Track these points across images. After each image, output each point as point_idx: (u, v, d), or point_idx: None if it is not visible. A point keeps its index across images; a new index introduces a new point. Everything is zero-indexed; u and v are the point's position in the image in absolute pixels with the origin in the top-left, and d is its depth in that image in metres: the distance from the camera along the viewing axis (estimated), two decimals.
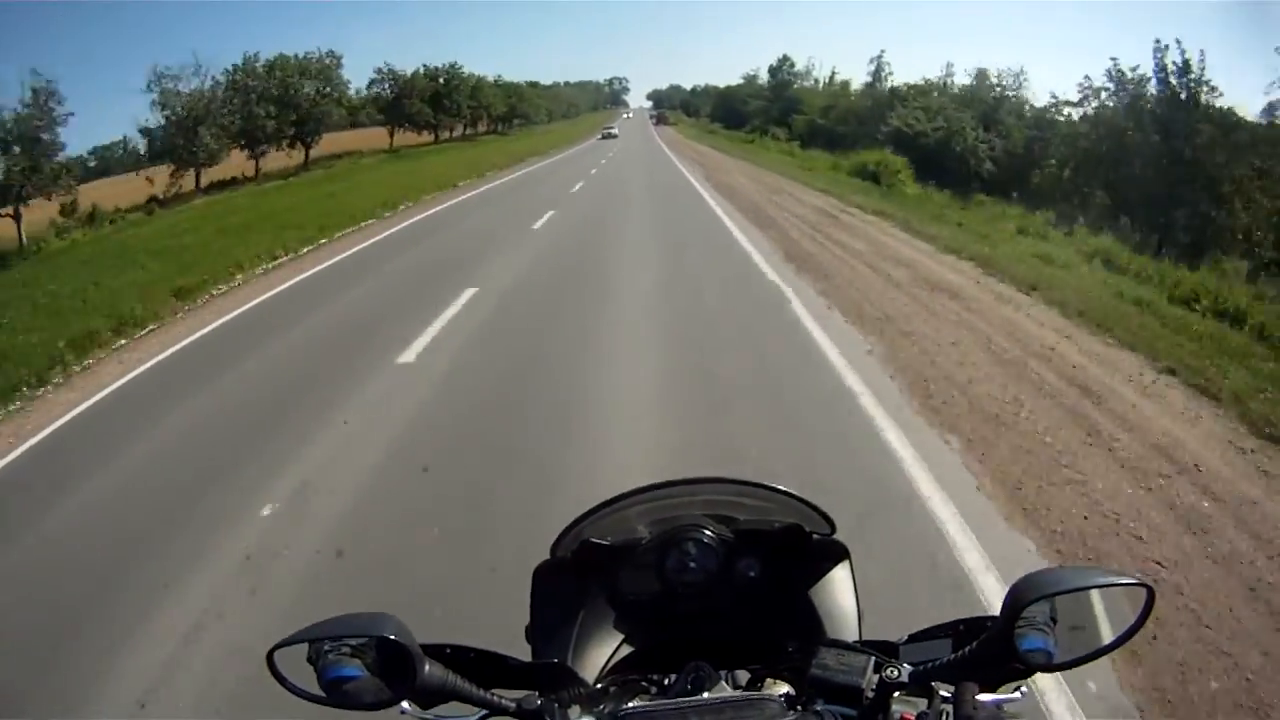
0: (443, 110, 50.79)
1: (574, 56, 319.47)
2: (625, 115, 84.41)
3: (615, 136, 53.78)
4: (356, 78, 70.36)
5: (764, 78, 66.67)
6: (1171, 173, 20.32)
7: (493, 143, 51.58)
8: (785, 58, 67.21)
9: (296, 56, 34.74)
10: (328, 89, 35.88)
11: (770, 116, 55.91)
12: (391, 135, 45.26)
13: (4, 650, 3.10)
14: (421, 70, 50.11)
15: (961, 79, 39.96)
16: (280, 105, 31.64)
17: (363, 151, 41.61)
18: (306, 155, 35.15)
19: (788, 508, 1.15)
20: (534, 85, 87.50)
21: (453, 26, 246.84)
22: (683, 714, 0.87)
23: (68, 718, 2.70)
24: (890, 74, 46.00)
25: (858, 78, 60.36)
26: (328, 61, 35.94)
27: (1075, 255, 12.05)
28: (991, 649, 0.83)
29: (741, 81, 75.16)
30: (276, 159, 33.30)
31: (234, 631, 3.07)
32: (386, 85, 47.01)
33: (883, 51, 56.49)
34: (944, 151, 27.87)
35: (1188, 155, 20.31)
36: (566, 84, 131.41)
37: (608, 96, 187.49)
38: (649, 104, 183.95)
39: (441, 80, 50.83)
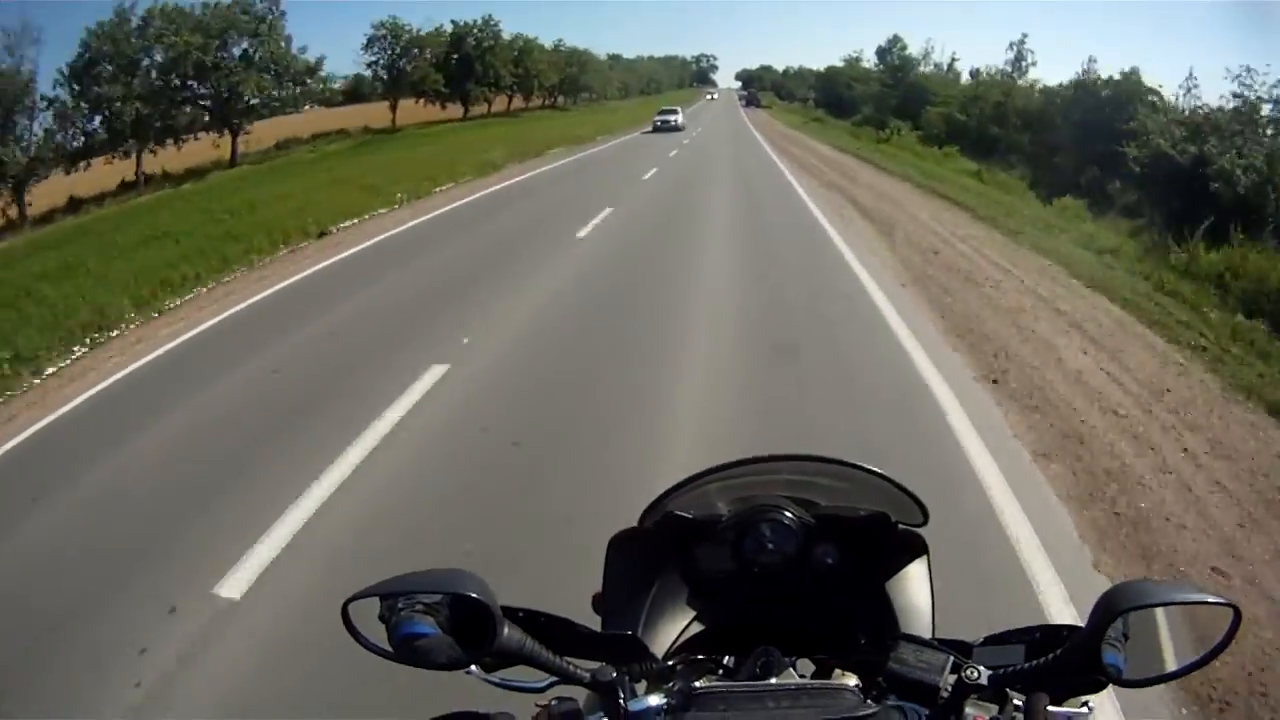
0: (474, 78, 39.30)
1: (660, 32, 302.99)
2: (709, 96, 71.55)
3: (677, 128, 36.56)
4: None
5: (869, 59, 59.73)
6: None
7: (532, 122, 41.11)
8: (896, 38, 58.51)
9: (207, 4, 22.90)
10: (257, 52, 24.79)
11: (887, 105, 43.64)
12: (394, 109, 33.98)
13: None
14: (448, 27, 38.53)
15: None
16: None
17: (345, 132, 30.80)
18: (233, 150, 23.91)
19: (876, 490, 1.11)
20: (614, 58, 75.87)
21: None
22: (759, 697, 0.85)
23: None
24: (1034, 63, 39.11)
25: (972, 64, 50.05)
26: (265, 12, 24.69)
27: None
28: (1074, 659, 0.80)
29: (841, 63, 67.35)
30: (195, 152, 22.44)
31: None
32: (386, 46, 35.46)
33: (1025, 37, 44.16)
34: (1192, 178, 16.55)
35: None
36: (651, 58, 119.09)
37: (694, 74, 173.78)
38: (737, 84, 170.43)
39: (471, 40, 39.14)
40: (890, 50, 63.53)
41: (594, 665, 0.87)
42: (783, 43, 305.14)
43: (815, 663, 1.04)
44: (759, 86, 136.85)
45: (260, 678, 2.77)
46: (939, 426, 4.51)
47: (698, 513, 1.13)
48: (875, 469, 1.10)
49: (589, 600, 1.15)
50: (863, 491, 1.12)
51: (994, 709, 0.84)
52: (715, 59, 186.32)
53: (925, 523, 1.11)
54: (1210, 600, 0.80)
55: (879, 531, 1.11)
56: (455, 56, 39.43)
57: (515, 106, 50.49)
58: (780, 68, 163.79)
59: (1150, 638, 0.83)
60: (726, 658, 1.06)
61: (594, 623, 1.05)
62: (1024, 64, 38.95)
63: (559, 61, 54.60)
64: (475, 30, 41.05)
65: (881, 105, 44.97)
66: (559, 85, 55.55)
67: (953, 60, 47.36)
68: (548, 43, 52.84)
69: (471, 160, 19.57)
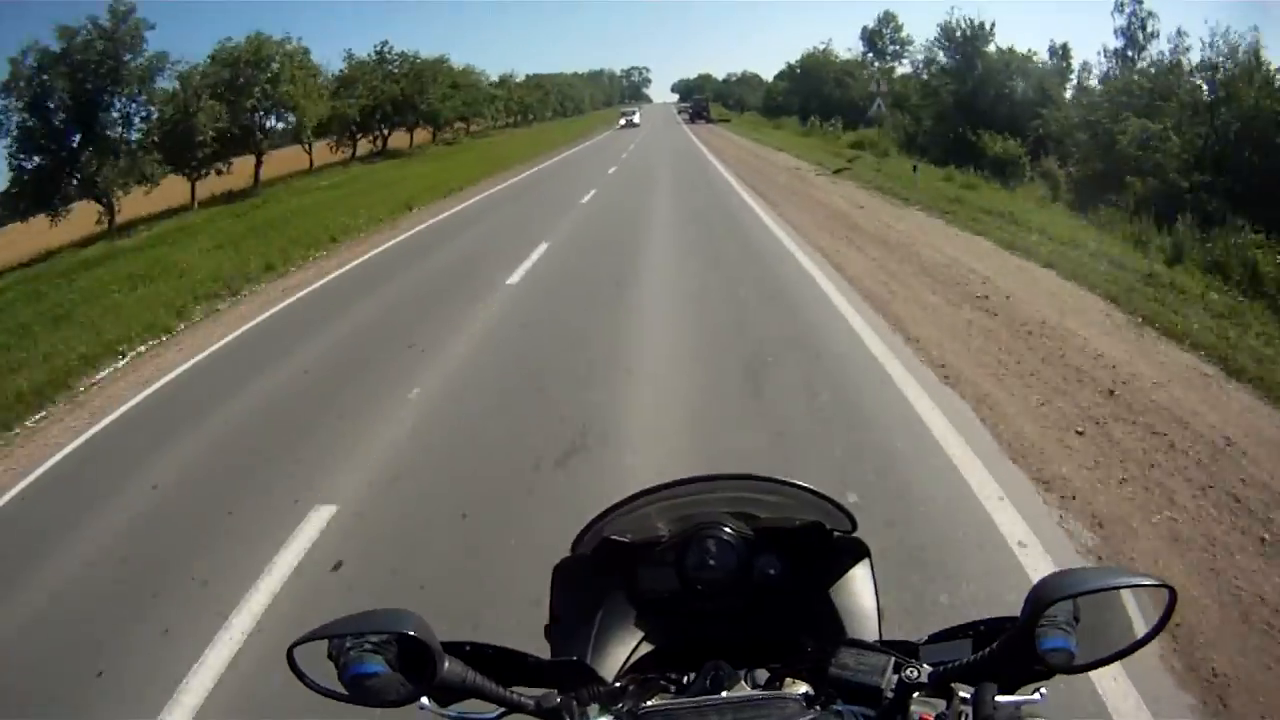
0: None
1: (585, 48, 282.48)
2: (623, 121, 49.47)
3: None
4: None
5: (849, 48, 45.27)
6: None
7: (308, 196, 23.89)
8: (889, 15, 49.31)
9: None
10: None
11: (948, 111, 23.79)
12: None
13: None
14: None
15: None
16: None
17: None
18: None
19: (808, 504, 1.14)
20: (504, 78, 55.71)
21: (443, 18, 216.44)
22: (702, 712, 0.86)
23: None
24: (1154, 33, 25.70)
25: None
26: None
27: None
28: (1012, 649, 0.81)
29: (792, 63, 55.09)
30: None
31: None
32: None
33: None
34: None
35: None
36: (575, 75, 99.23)
37: (625, 89, 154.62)
38: (674, 97, 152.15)
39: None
40: (881, 32, 51.90)
41: (540, 693, 0.87)
42: (721, 50, 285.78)
43: (769, 673, 1.00)
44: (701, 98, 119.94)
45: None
46: None
47: (636, 535, 1.14)
48: (803, 484, 1.13)
49: (541, 629, 1.15)
50: (797, 505, 1.15)
51: (941, 704, 0.84)
52: (648, 71, 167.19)
53: (854, 530, 1.14)
54: (1144, 583, 0.81)
55: (817, 540, 1.14)
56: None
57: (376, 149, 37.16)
58: (721, 75, 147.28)
59: (1103, 619, 0.83)
60: (681, 675, 1.01)
61: (548, 652, 1.09)
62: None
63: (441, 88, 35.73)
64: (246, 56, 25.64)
65: (947, 113, 25.32)
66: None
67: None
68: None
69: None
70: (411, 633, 0.79)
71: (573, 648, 1.08)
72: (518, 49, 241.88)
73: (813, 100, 48.37)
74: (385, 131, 36.36)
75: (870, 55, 57.05)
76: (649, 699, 0.94)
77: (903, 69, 51.15)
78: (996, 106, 27.77)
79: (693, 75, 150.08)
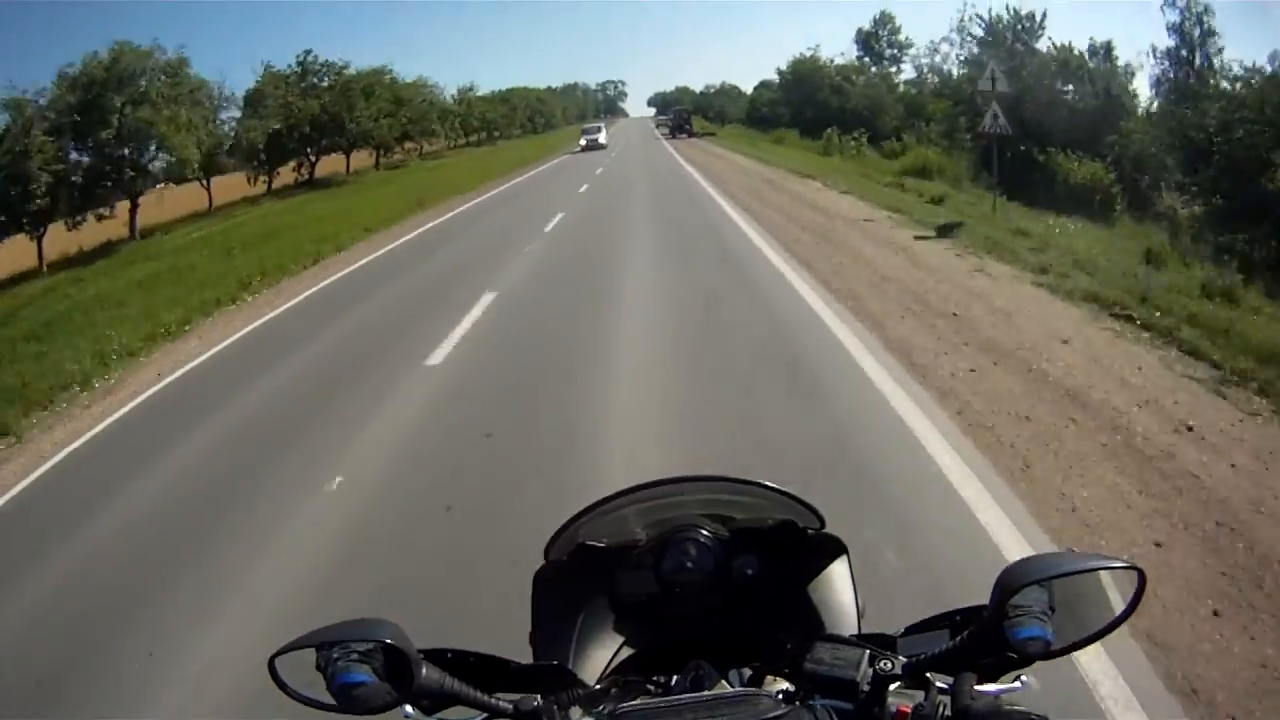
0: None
1: (558, 61, 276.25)
2: (583, 142, 41.92)
3: None
4: None
5: (839, 55, 46.14)
6: None
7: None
8: (885, 16, 46.17)
9: None
10: None
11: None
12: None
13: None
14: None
15: None
16: None
17: None
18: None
19: (777, 504, 1.15)
20: (463, 92, 50.13)
21: (406, 31, 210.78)
22: (677, 711, 0.85)
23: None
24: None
25: None
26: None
27: None
28: (983, 638, 0.81)
29: (782, 69, 50.06)
30: None
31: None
32: None
33: None
34: None
35: None
36: (548, 89, 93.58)
37: (602, 103, 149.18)
38: (650, 111, 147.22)
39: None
40: (876, 34, 48.46)
41: (518, 698, 0.87)
42: (697, 63, 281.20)
43: (750, 671, 1.01)
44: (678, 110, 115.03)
45: None
46: None
47: (612, 540, 1.15)
48: (769, 484, 1.14)
49: (525, 639, 1.16)
50: (770, 504, 1.16)
51: (919, 695, 0.83)
52: (623, 84, 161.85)
53: (822, 527, 1.14)
54: (1113, 565, 0.81)
55: (792, 538, 1.14)
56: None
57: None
58: (698, 88, 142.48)
59: (1076, 604, 0.82)
60: (663, 677, 1.01)
61: (531, 658, 1.09)
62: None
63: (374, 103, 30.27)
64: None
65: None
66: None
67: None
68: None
69: None
70: (389, 640, 0.80)
71: (555, 653, 1.09)
72: (485, 62, 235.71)
73: (807, 109, 43.02)
74: (312, 157, 30.11)
75: (866, 59, 51.80)
76: (630, 701, 0.92)
77: (905, 73, 46.12)
78: (1051, 117, 22.14)
79: (670, 88, 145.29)
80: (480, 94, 53.13)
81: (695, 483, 1.18)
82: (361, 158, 34.88)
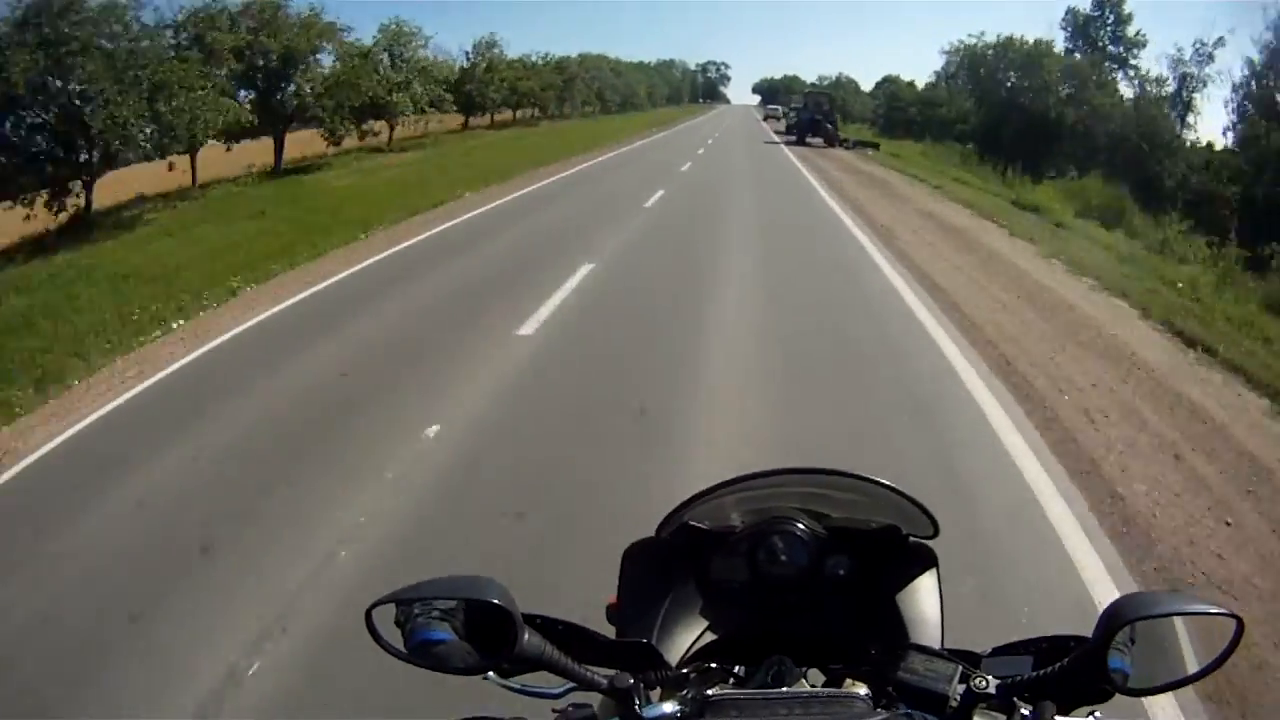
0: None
1: (655, 37, 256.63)
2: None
3: None
4: None
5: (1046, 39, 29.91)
6: None
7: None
8: None
9: None
10: None
11: None
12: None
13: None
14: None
15: None
16: None
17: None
18: None
19: (886, 504, 1.12)
20: (515, 61, 39.36)
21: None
22: (770, 705, 0.85)
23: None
24: None
25: None
26: None
27: None
28: (1081, 669, 0.80)
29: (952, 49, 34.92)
30: None
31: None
32: None
33: None
34: None
35: None
36: (640, 64, 79.92)
37: (700, 86, 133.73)
38: (755, 98, 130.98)
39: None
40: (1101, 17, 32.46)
41: (610, 673, 0.87)
42: (808, 52, 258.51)
43: (826, 672, 1.03)
44: (783, 101, 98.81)
45: None
46: None
47: (713, 524, 1.15)
48: (887, 483, 1.09)
49: (604, 608, 1.15)
50: (875, 504, 1.14)
51: (1001, 718, 0.84)
52: (726, 67, 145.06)
53: (936, 535, 1.11)
54: (1213, 611, 0.81)
55: (889, 543, 1.13)
56: None
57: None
58: (809, 78, 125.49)
59: (1158, 646, 0.83)
60: (739, 667, 1.03)
61: (609, 631, 1.08)
62: None
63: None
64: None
65: None
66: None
67: None
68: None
69: None
70: (495, 601, 0.77)
71: (639, 630, 1.07)
72: (577, 33, 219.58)
73: (1007, 122, 27.89)
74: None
75: (1076, 53, 36.11)
76: (711, 687, 0.93)
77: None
78: None
79: (777, 75, 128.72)
80: (514, 56, 37.91)
81: (803, 475, 1.14)
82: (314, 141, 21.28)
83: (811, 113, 30.24)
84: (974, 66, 32.38)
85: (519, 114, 39.84)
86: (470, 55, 33.16)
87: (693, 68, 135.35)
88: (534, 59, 40.14)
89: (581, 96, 47.26)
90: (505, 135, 30.35)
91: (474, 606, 0.79)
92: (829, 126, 29.23)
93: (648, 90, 69.34)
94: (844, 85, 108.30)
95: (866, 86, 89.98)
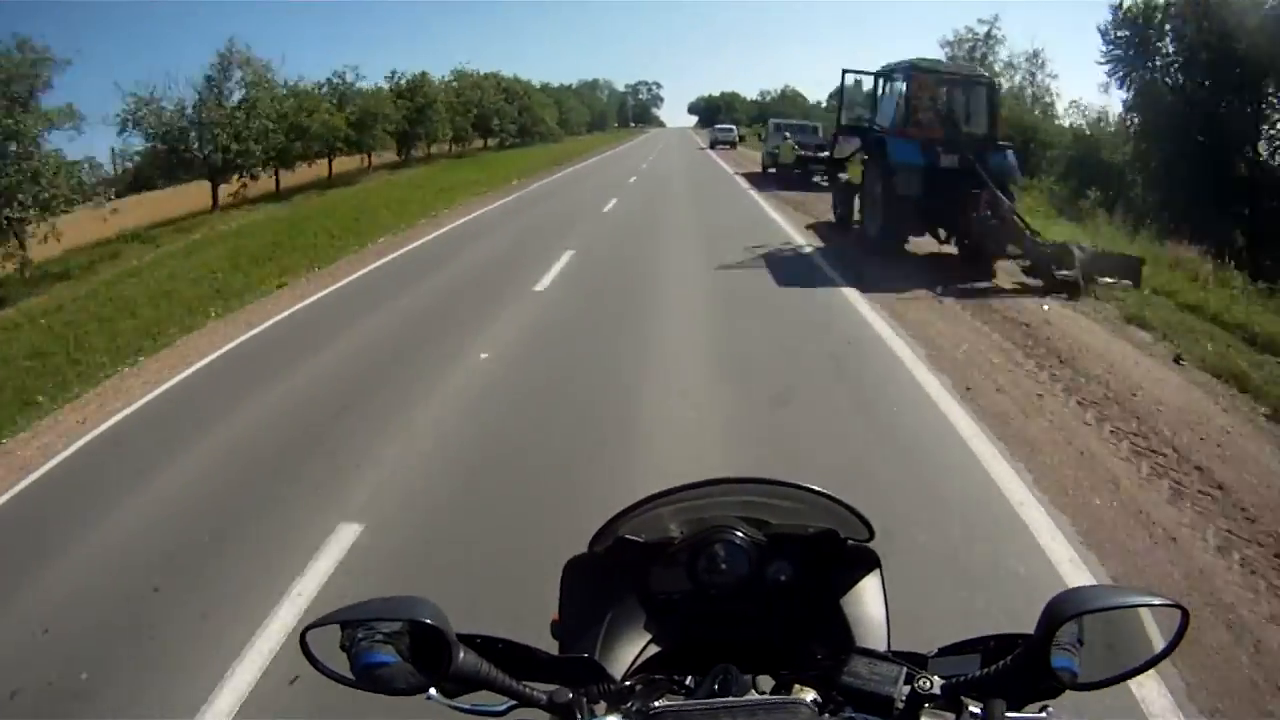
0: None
1: (578, 56, 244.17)
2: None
3: None
4: None
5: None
6: None
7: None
8: None
9: None
10: None
11: None
12: None
13: None
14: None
15: None
16: None
17: None
18: None
19: (823, 510, 1.14)
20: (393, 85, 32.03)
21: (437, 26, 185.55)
22: (714, 714, 0.86)
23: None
24: None
25: None
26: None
27: None
28: (1025, 665, 0.82)
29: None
30: None
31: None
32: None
33: None
34: None
35: None
36: (558, 86, 67.03)
37: (632, 109, 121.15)
38: (692, 119, 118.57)
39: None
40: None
41: (552, 688, 0.87)
42: (746, 66, 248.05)
43: (775, 679, 1.01)
44: (720, 121, 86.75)
45: None
46: None
47: (649, 536, 1.14)
48: (821, 490, 1.11)
49: (548, 626, 1.14)
50: (812, 511, 1.14)
51: (950, 717, 0.85)
52: (658, 87, 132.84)
53: (871, 538, 1.12)
54: (1156, 602, 0.82)
55: (829, 548, 1.13)
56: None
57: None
58: (751, 94, 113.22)
59: (1111, 638, 0.84)
60: (686, 677, 1.02)
61: (552, 648, 1.07)
62: None
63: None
64: None
65: None
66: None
67: None
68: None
69: None
70: (428, 621, 0.79)
71: (581, 645, 1.07)
72: (492, 52, 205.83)
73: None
74: None
75: None
76: (657, 699, 0.94)
77: None
78: None
79: (716, 92, 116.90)
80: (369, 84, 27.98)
81: (738, 484, 1.16)
82: None
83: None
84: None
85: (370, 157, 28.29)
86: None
87: (621, 89, 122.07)
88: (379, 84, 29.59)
89: (444, 129, 32.94)
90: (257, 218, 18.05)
91: (412, 628, 0.79)
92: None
93: (558, 117, 55.23)
94: (789, 99, 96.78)
95: (816, 97, 78.75)
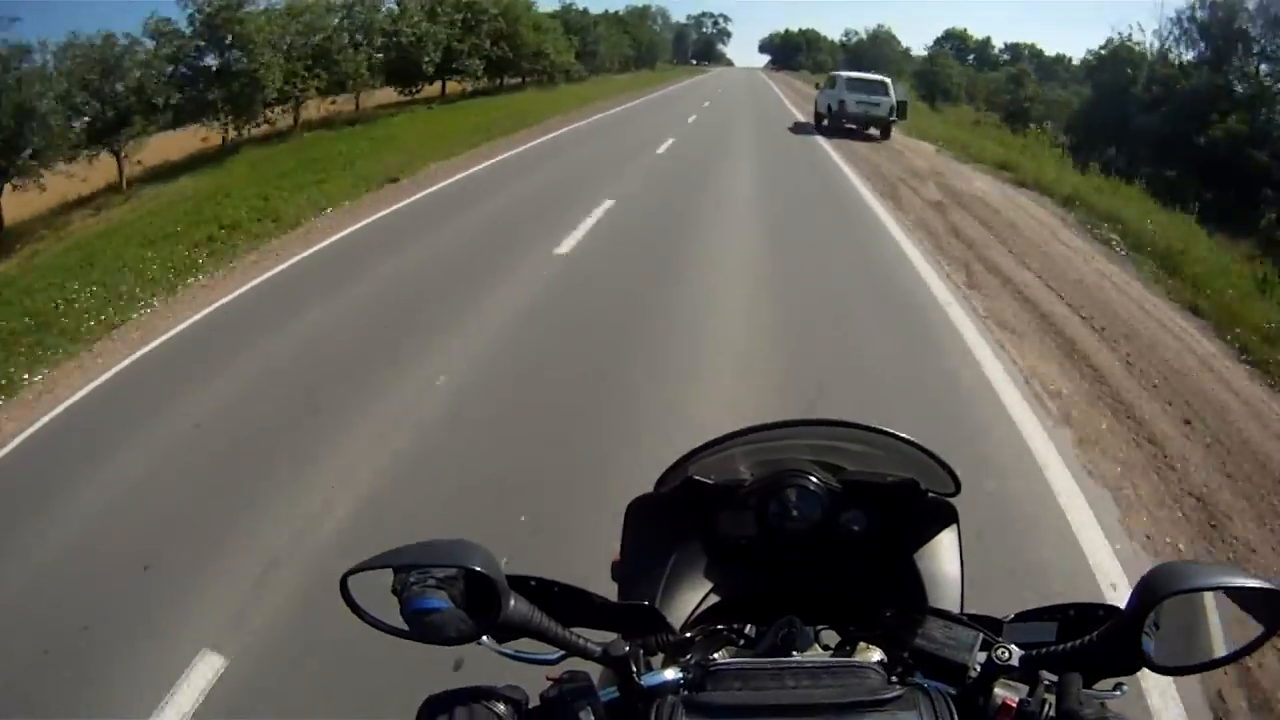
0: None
1: None
2: None
3: None
4: None
5: None
6: None
7: None
8: None
9: None
10: None
11: None
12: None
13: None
14: None
15: None
16: None
17: None
18: None
19: (906, 458, 1.14)
20: None
21: None
22: (778, 675, 0.83)
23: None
24: None
25: None
26: None
27: None
28: (1113, 642, 0.79)
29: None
30: None
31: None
32: None
33: None
34: None
35: None
36: (605, 14, 52.49)
37: (695, 44, 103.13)
38: (763, 59, 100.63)
39: None
40: None
41: (609, 637, 0.89)
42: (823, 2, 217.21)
43: (840, 634, 1.04)
44: (790, 64, 67.80)
45: None
46: None
47: (719, 478, 1.17)
48: (906, 436, 1.13)
49: (609, 567, 1.24)
50: (892, 458, 1.17)
51: (1024, 689, 0.82)
52: (726, 20, 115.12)
53: (957, 492, 1.15)
54: (1256, 585, 0.77)
55: (908, 499, 1.15)
56: None
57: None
58: (835, 35, 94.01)
59: (1190, 620, 0.80)
60: (748, 627, 1.04)
61: (612, 589, 1.14)
62: None
63: None
64: None
65: None
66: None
67: None
68: None
69: None
70: (478, 568, 0.78)
71: (642, 590, 1.09)
72: None
73: None
74: None
75: None
76: (717, 651, 0.95)
77: None
78: None
79: (793, 28, 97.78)
80: None
81: (815, 426, 1.16)
82: None
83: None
84: None
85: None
86: None
87: (683, 20, 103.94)
88: None
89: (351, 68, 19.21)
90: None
91: (463, 572, 0.80)
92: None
93: (575, 49, 39.80)
94: (882, 41, 78.02)
95: (913, 44, 62.98)
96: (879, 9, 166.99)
